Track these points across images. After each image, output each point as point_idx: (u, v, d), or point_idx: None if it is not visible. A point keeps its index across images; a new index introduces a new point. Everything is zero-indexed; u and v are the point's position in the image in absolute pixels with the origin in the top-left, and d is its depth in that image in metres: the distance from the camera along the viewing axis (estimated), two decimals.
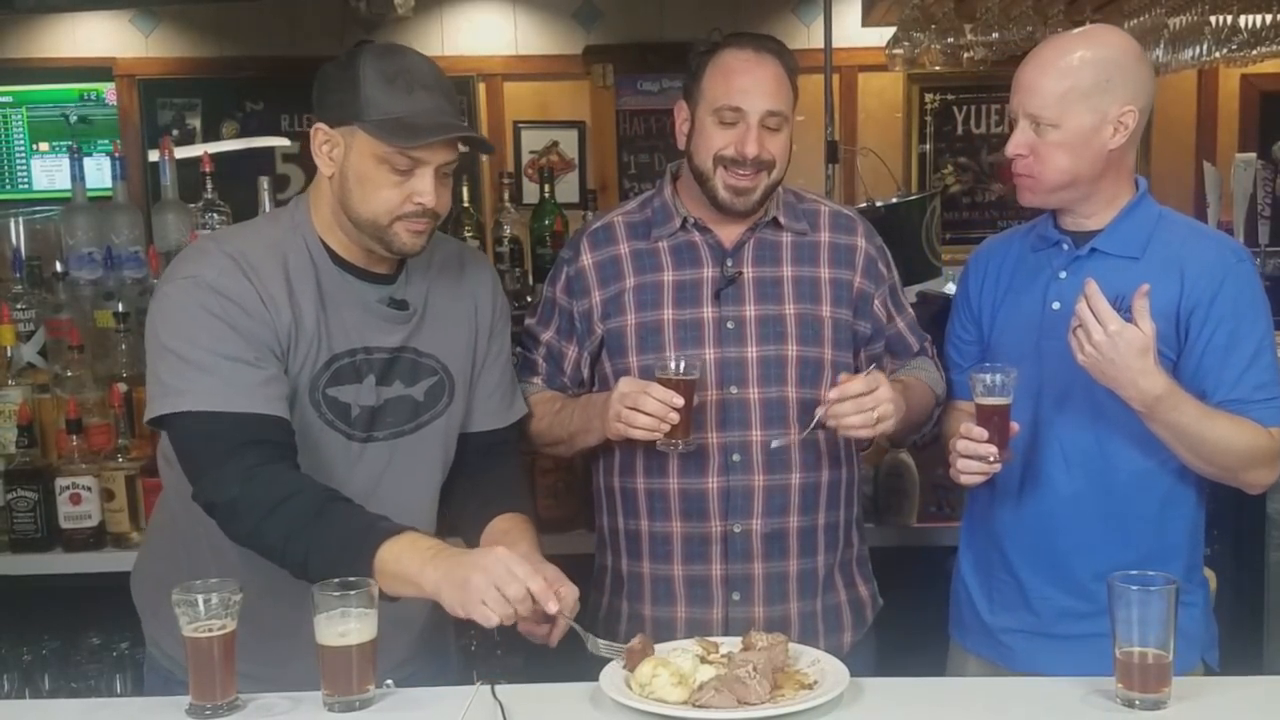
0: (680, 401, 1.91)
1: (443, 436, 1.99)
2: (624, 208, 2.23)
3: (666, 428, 1.91)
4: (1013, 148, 1.94)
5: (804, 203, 2.20)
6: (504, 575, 1.62)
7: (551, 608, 1.64)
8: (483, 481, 2.04)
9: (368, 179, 1.78)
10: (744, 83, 2.02)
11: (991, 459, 1.90)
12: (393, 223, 1.80)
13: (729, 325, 2.08)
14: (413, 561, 1.66)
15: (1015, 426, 1.92)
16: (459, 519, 2.03)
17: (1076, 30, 2.01)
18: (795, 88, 2.09)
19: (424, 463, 1.98)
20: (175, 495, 1.90)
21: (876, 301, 2.19)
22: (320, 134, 1.82)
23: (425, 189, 1.78)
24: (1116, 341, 1.78)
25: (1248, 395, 1.90)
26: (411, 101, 1.76)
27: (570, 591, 1.69)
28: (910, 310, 2.29)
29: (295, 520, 1.70)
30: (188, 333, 1.76)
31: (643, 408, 1.91)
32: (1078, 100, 1.89)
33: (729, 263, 2.11)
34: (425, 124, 1.76)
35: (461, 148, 1.83)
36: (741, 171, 2.03)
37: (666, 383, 1.94)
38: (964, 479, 1.95)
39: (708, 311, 2.09)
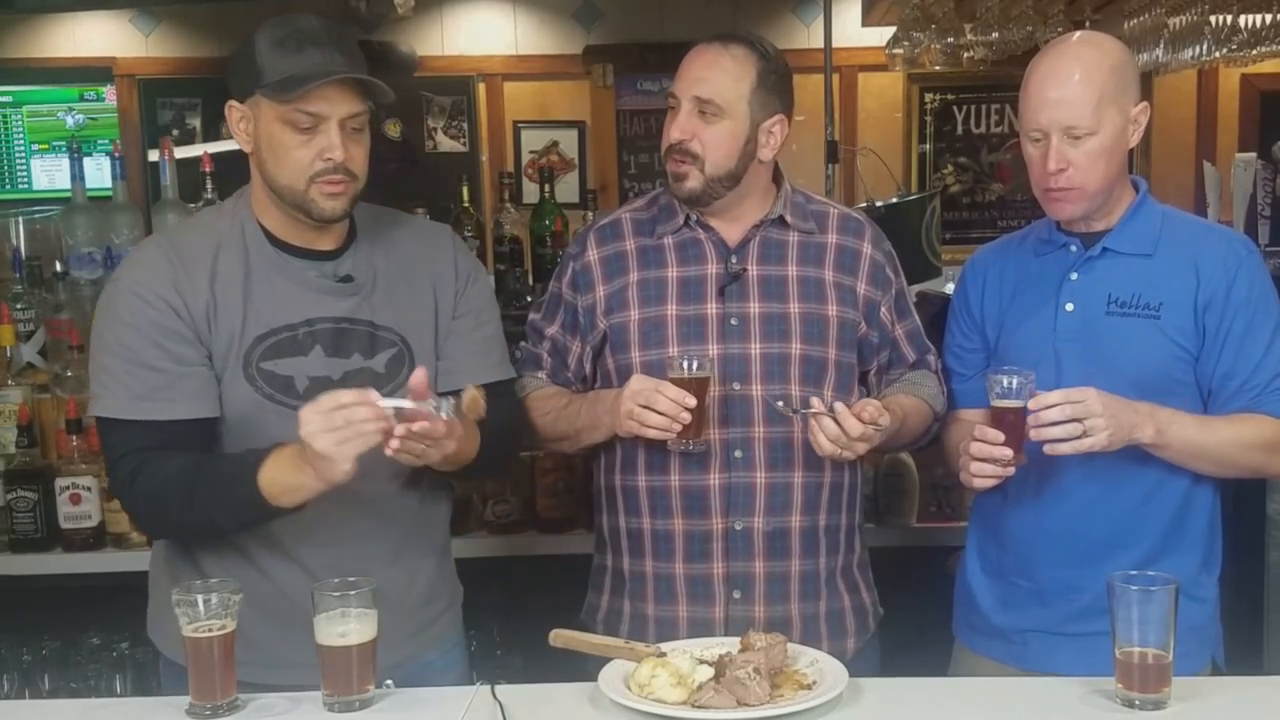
0: (693, 401, 1.91)
1: None
2: (632, 205, 2.23)
3: (679, 427, 1.92)
4: (1055, 164, 1.92)
5: (813, 204, 2.20)
6: (329, 404, 1.65)
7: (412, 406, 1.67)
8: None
9: (277, 143, 1.83)
10: (683, 68, 2.06)
11: (1006, 462, 1.89)
12: (309, 186, 1.83)
13: (732, 322, 2.08)
14: (284, 449, 1.74)
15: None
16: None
17: (1072, 40, 2.00)
18: (763, 84, 2.03)
19: None
20: None
21: (883, 309, 2.18)
22: (235, 111, 1.89)
23: (332, 143, 1.82)
24: (1099, 407, 1.81)
25: (1263, 385, 1.93)
26: (301, 59, 1.80)
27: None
28: (916, 319, 2.24)
29: (182, 490, 1.78)
30: (103, 337, 1.88)
31: (656, 406, 1.91)
32: (1108, 105, 1.91)
33: (734, 260, 2.11)
34: (313, 75, 1.80)
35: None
36: (675, 157, 2.06)
37: (679, 382, 1.94)
38: (976, 482, 1.94)
39: (711, 308, 2.08)
